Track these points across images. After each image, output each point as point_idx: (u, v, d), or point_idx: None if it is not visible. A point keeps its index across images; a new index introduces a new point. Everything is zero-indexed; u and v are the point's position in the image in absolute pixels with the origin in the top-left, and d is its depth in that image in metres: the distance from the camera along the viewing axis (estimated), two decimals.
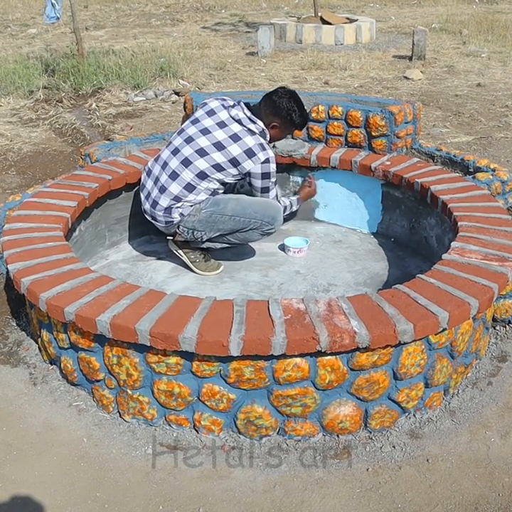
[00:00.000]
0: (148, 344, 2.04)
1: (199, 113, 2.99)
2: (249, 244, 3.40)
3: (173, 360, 2.08)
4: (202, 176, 2.87)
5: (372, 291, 2.53)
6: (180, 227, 2.97)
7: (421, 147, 3.64)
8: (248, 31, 11.64)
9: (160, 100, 6.94)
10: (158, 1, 16.34)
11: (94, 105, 6.72)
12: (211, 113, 2.95)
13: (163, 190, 2.92)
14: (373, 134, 3.47)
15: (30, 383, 2.48)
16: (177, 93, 7.08)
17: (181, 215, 2.94)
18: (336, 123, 3.58)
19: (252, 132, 2.87)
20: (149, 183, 3.01)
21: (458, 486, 2.02)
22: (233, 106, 2.94)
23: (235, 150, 2.83)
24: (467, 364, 2.44)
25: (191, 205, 2.94)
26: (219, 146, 2.85)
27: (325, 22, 10.54)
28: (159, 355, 2.09)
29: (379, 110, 3.43)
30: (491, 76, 7.87)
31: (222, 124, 2.89)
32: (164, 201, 2.92)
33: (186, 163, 2.88)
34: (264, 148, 2.87)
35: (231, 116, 2.90)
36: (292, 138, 3.72)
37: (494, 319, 2.75)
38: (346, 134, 3.58)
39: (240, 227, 2.95)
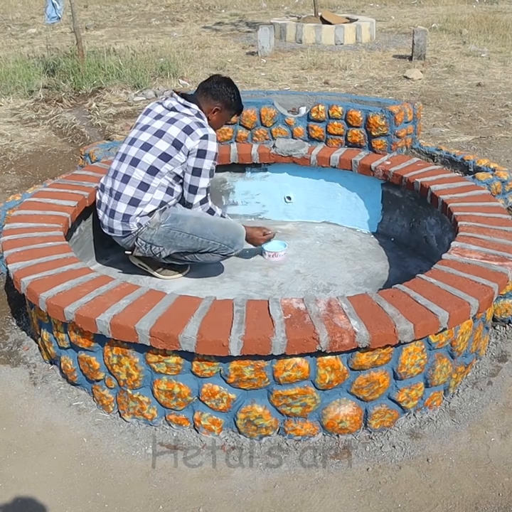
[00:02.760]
0: (149, 344, 2.04)
1: (140, 118, 3.00)
2: (249, 244, 3.40)
3: (173, 359, 2.08)
4: (152, 171, 2.81)
5: (372, 291, 2.53)
6: (139, 239, 2.88)
7: (421, 147, 3.64)
8: (248, 31, 11.64)
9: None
10: (158, 1, 16.34)
11: (94, 105, 6.72)
12: (147, 111, 2.98)
13: (118, 196, 2.83)
14: (373, 133, 3.47)
15: (30, 383, 2.48)
16: (177, 93, 7.07)
17: (139, 225, 2.84)
18: (336, 123, 3.58)
19: (187, 115, 2.88)
20: (105, 197, 2.92)
21: (458, 485, 2.02)
22: (166, 99, 2.96)
23: (173, 131, 2.82)
24: (467, 364, 2.44)
25: (149, 212, 2.84)
26: (159, 134, 2.83)
27: (325, 22, 10.54)
28: (159, 355, 2.09)
29: (379, 110, 3.43)
30: (491, 76, 7.87)
31: (158, 117, 2.91)
32: (121, 207, 2.82)
33: (134, 162, 2.83)
34: (202, 126, 2.85)
35: (165, 108, 2.92)
36: (292, 138, 3.72)
37: (494, 319, 2.75)
38: (346, 133, 3.58)
39: (199, 247, 2.87)
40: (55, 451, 2.15)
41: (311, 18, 10.96)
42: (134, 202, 2.82)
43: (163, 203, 2.89)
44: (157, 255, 2.93)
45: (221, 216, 3.08)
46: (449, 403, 2.36)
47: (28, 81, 7.27)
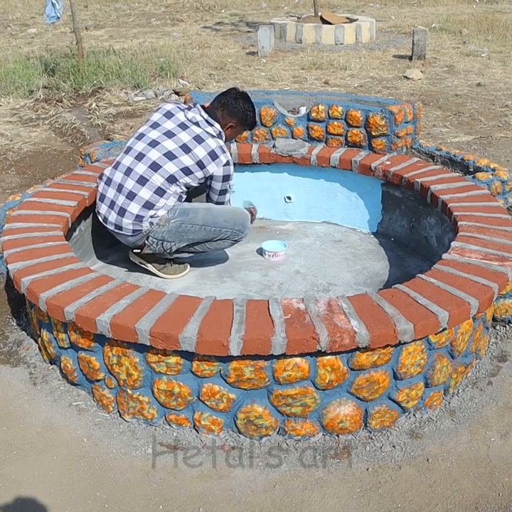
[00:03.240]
0: (148, 344, 2.04)
1: (156, 117, 2.98)
2: (249, 244, 3.40)
3: (173, 359, 2.08)
4: (171, 179, 2.86)
5: (372, 291, 2.53)
6: (150, 238, 2.91)
7: (421, 147, 3.64)
8: (248, 31, 11.64)
9: (160, 100, 6.94)
10: (158, 1, 16.34)
11: (94, 105, 6.72)
12: (169, 115, 2.97)
13: (132, 196, 2.83)
14: (373, 133, 3.47)
15: (30, 383, 2.48)
16: (177, 93, 7.08)
17: (151, 224, 2.87)
18: (336, 123, 3.58)
19: (211, 135, 2.93)
20: (111, 192, 2.89)
21: (458, 485, 2.02)
22: (189, 108, 2.98)
23: (200, 152, 2.87)
24: (467, 364, 2.44)
25: (161, 216, 2.88)
26: (186, 149, 2.87)
27: (325, 22, 10.54)
28: (159, 355, 2.09)
29: (379, 110, 3.43)
30: (491, 76, 7.87)
31: (183, 126, 2.92)
32: (134, 208, 2.83)
33: (155, 167, 2.84)
34: (224, 151, 2.94)
35: (188, 119, 2.93)
36: (292, 138, 3.72)
37: (494, 319, 2.75)
38: (346, 133, 3.58)
39: (211, 236, 2.96)
40: (55, 451, 2.15)
41: (311, 18, 10.95)
42: (149, 205, 2.85)
43: (173, 210, 2.94)
44: (168, 250, 2.98)
45: None
46: (449, 403, 2.36)
47: (28, 81, 7.27)
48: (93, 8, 15.08)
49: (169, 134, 2.89)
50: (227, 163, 2.94)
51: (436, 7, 14.56)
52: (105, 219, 2.94)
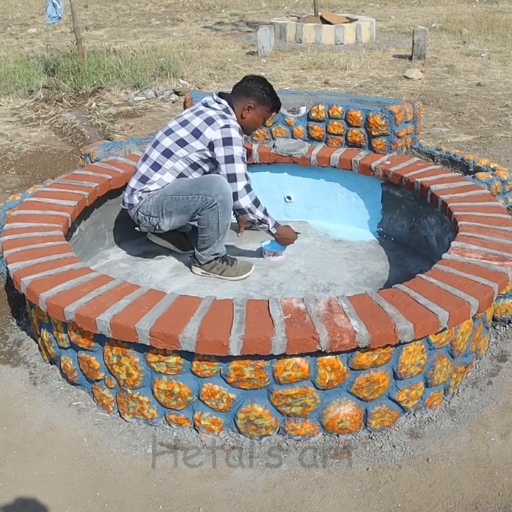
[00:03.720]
0: (149, 344, 2.04)
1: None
2: (249, 244, 3.40)
3: (173, 359, 2.08)
4: (167, 153, 2.92)
5: (372, 291, 2.53)
6: (139, 213, 3.00)
7: (421, 147, 3.64)
8: (248, 31, 11.64)
9: (160, 100, 6.94)
10: (158, 1, 16.33)
11: (94, 105, 6.72)
12: (193, 108, 3.07)
13: (134, 173, 3.02)
14: (373, 133, 3.47)
15: (30, 383, 2.48)
16: (177, 93, 7.08)
17: (140, 198, 2.97)
18: (335, 122, 3.58)
19: (214, 109, 2.95)
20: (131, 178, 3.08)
21: (458, 485, 2.02)
22: (207, 96, 3.06)
23: (196, 121, 2.91)
24: (467, 363, 2.44)
25: (152, 190, 2.94)
26: (183, 123, 2.94)
27: (325, 21, 10.54)
28: (159, 355, 2.09)
29: (379, 110, 3.43)
30: (491, 76, 7.87)
31: (192, 110, 3.01)
32: (132, 182, 2.99)
33: (155, 144, 2.98)
34: (225, 118, 2.91)
35: (202, 103, 3.01)
36: (292, 137, 3.72)
37: (494, 319, 2.75)
38: (346, 133, 3.58)
39: (183, 206, 2.90)
40: (55, 451, 2.15)
41: (311, 18, 10.95)
42: (143, 179, 2.96)
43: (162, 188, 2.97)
44: (157, 227, 3.01)
45: (264, 211, 3.02)
46: (449, 403, 2.36)
47: (28, 81, 7.27)
48: (93, 8, 15.08)
49: (178, 118, 3.01)
50: (227, 126, 2.86)
51: (436, 7, 14.56)
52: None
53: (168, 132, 2.95)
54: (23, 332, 2.80)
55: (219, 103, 2.96)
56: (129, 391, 2.21)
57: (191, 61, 8.74)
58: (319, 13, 10.88)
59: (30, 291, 2.30)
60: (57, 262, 2.46)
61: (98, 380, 2.30)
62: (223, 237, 3.02)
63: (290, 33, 10.51)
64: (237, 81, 3.12)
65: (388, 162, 3.40)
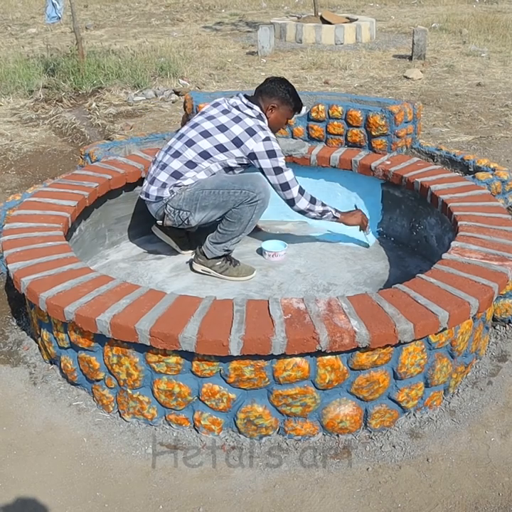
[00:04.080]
0: (148, 344, 2.04)
1: (206, 108, 3.12)
2: (249, 244, 3.39)
3: (173, 359, 2.08)
4: (205, 155, 2.93)
5: (372, 291, 2.53)
6: (168, 206, 2.99)
7: (421, 147, 3.64)
8: (248, 31, 11.64)
9: (160, 100, 6.94)
10: (158, 1, 16.33)
11: (94, 105, 6.72)
12: (216, 105, 3.08)
13: (163, 167, 2.98)
14: (373, 133, 3.47)
15: (30, 383, 2.48)
16: (177, 93, 7.08)
17: (171, 192, 2.96)
18: (335, 122, 3.58)
19: (250, 116, 2.97)
20: (153, 168, 3.06)
21: (458, 485, 2.02)
22: (232, 97, 3.07)
23: (236, 130, 2.92)
24: (467, 364, 2.44)
25: (186, 185, 2.95)
26: (222, 128, 2.94)
27: (325, 21, 10.54)
28: (159, 355, 2.09)
29: (379, 110, 3.43)
30: (491, 76, 7.87)
31: (225, 111, 3.01)
32: (163, 176, 2.97)
33: (189, 143, 2.96)
34: (263, 129, 2.95)
35: (230, 105, 3.02)
36: (292, 137, 3.72)
37: (494, 319, 2.75)
38: (346, 133, 3.58)
39: (221, 200, 2.90)
40: (55, 451, 2.15)
41: (311, 18, 10.95)
42: (177, 175, 2.96)
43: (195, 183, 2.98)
44: (186, 221, 3.00)
45: (322, 204, 3.07)
46: (449, 403, 2.36)
47: (28, 81, 7.27)
48: (93, 8, 15.08)
49: (210, 118, 3.01)
50: (267, 139, 2.91)
51: (436, 7, 14.56)
52: (141, 192, 3.10)
53: (205, 134, 2.94)
54: (23, 332, 2.80)
55: (251, 108, 2.98)
56: (129, 391, 2.21)
57: (191, 61, 8.74)
58: (319, 13, 10.88)
59: (30, 291, 2.30)
60: (57, 262, 2.46)
61: (98, 380, 2.30)
62: (245, 235, 3.05)
63: (290, 33, 10.51)
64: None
65: (388, 162, 3.40)
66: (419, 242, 3.34)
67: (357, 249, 3.44)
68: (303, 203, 3.02)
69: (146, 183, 3.07)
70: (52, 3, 7.60)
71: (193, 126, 3.02)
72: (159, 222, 3.11)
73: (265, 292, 2.99)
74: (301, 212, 3.07)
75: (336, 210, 3.14)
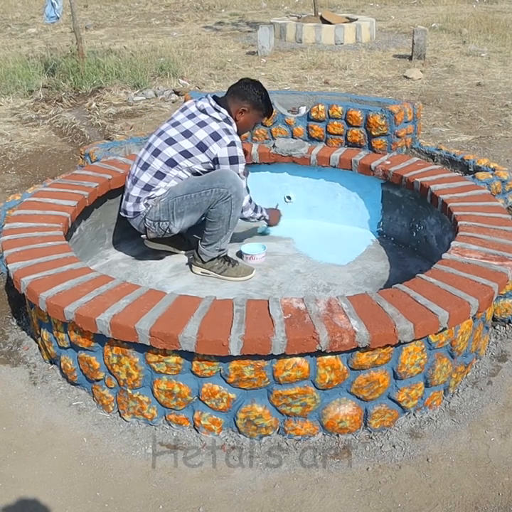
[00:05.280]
0: (148, 344, 2.04)
1: (174, 113, 3.10)
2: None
3: (173, 359, 2.08)
4: (171, 163, 2.93)
5: (372, 291, 2.53)
6: (147, 220, 3.00)
7: (421, 146, 3.64)
8: (248, 31, 11.64)
9: (160, 100, 6.94)
10: (158, 1, 16.33)
11: (94, 105, 6.72)
12: (183, 109, 3.07)
13: (135, 181, 3.00)
14: (373, 133, 3.47)
15: (30, 383, 2.48)
16: (177, 92, 7.08)
17: (146, 205, 2.97)
18: (335, 122, 3.58)
19: (216, 119, 2.95)
20: (128, 183, 3.07)
21: (458, 485, 2.02)
22: (200, 99, 3.05)
23: (200, 134, 2.91)
24: (467, 363, 2.44)
25: (159, 196, 2.96)
26: (186, 134, 2.94)
27: (325, 21, 10.54)
28: (159, 355, 2.09)
29: (379, 110, 3.43)
30: (490, 75, 7.86)
31: (191, 116, 3.00)
32: (136, 191, 2.98)
33: (156, 153, 2.97)
34: (229, 133, 2.94)
35: (197, 108, 3.00)
36: (292, 137, 3.72)
37: (494, 319, 2.75)
38: (346, 133, 3.58)
39: (195, 203, 2.90)
40: (55, 451, 2.15)
41: (311, 18, 10.95)
42: (148, 187, 2.97)
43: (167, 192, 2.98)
44: (167, 231, 3.01)
45: (260, 210, 3.25)
46: (449, 403, 2.36)
47: (28, 81, 7.27)
48: (93, 8, 15.07)
49: (175, 124, 3.00)
50: (232, 144, 2.91)
51: (436, 7, 14.56)
52: (120, 209, 3.13)
53: (170, 142, 2.94)
54: (23, 332, 2.80)
55: (218, 111, 2.96)
56: (129, 391, 2.21)
57: (191, 61, 8.74)
58: (319, 13, 10.87)
59: (30, 291, 2.30)
60: (57, 261, 2.46)
61: (98, 380, 2.30)
62: (231, 231, 3.04)
63: (290, 32, 10.51)
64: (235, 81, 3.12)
65: (388, 162, 3.40)
66: (419, 242, 3.34)
67: (357, 249, 3.43)
68: (248, 212, 3.14)
69: (123, 199, 3.08)
70: (52, 3, 7.59)
71: (159, 134, 3.01)
72: (143, 236, 3.12)
73: (265, 292, 2.99)
74: (245, 219, 3.18)
75: (264, 212, 3.29)
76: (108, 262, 3.28)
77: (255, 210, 3.19)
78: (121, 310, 2.12)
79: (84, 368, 2.32)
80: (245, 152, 3.50)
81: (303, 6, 14.67)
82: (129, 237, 3.47)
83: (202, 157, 2.92)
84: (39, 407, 2.35)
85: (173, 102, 6.85)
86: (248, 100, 3.00)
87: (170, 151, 2.92)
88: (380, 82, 7.57)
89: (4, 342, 2.74)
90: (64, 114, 6.38)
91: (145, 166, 2.97)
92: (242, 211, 3.06)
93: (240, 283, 3.08)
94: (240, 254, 3.35)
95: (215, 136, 2.89)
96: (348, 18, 11.05)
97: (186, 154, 2.91)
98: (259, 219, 3.28)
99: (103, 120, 6.18)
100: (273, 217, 3.41)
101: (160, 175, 2.94)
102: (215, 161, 2.93)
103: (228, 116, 2.98)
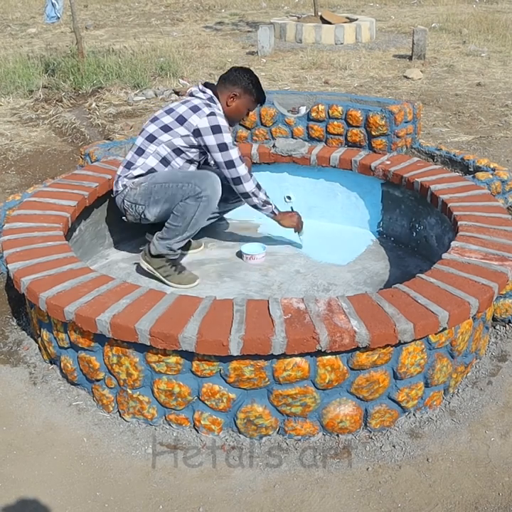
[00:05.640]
0: (148, 344, 2.04)
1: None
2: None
3: (173, 359, 2.08)
4: (150, 138, 2.96)
5: (372, 291, 2.53)
6: (125, 202, 3.00)
7: (421, 146, 3.64)
8: (248, 31, 11.64)
9: (160, 100, 6.94)
10: (158, 1, 16.33)
11: (94, 105, 6.72)
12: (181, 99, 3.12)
13: (123, 162, 3.06)
14: (373, 133, 3.47)
15: (30, 383, 2.48)
16: (177, 92, 7.08)
17: (124, 186, 2.98)
18: (335, 122, 3.58)
19: (199, 98, 2.98)
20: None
21: (458, 485, 2.02)
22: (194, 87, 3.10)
23: (181, 109, 2.94)
24: (467, 363, 2.44)
25: (136, 175, 2.96)
26: (169, 111, 2.98)
27: (325, 21, 10.54)
28: (159, 355, 2.09)
29: (379, 110, 3.43)
30: (490, 75, 7.86)
31: (182, 101, 3.02)
32: (119, 169, 3.04)
33: (141, 132, 3.02)
34: (209, 106, 2.93)
35: (188, 93, 3.06)
36: (292, 137, 3.72)
37: (494, 319, 2.75)
38: (346, 133, 3.58)
39: (171, 193, 2.87)
40: (55, 451, 2.15)
41: (311, 18, 10.95)
42: (128, 165, 3.02)
43: (153, 170, 2.97)
44: (142, 215, 3.00)
45: (266, 193, 3.09)
46: (449, 403, 2.36)
47: (28, 81, 7.27)
48: (93, 8, 15.07)
49: (166, 108, 3.03)
50: (212, 114, 2.87)
51: (436, 7, 14.55)
52: None
53: (154, 120, 3.00)
54: (23, 332, 2.80)
55: (204, 92, 3.00)
56: (129, 391, 2.21)
57: (191, 61, 8.74)
58: (319, 13, 10.87)
59: (30, 291, 2.30)
60: (57, 261, 2.46)
61: (98, 380, 2.30)
62: (187, 235, 2.97)
63: (290, 32, 10.51)
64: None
65: (388, 162, 3.40)
66: (419, 242, 3.34)
67: (357, 249, 3.43)
68: (249, 185, 2.98)
69: None
70: (52, 3, 7.60)
71: (151, 120, 3.06)
72: (124, 218, 3.12)
73: (265, 292, 2.99)
74: (246, 194, 3.01)
75: (276, 207, 3.16)
76: (108, 262, 3.29)
77: (258, 187, 3.02)
78: (121, 310, 2.12)
79: (84, 368, 2.32)
80: (248, 155, 3.52)
81: (303, 6, 14.67)
82: (129, 237, 3.47)
83: (181, 130, 2.89)
84: (39, 407, 2.35)
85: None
86: (238, 85, 3.00)
87: (151, 128, 2.96)
88: (380, 82, 7.57)
89: (4, 342, 2.74)
90: (64, 114, 6.38)
91: (133, 147, 3.04)
92: (250, 196, 3.00)
93: (240, 283, 3.08)
94: (240, 254, 3.35)
95: (195, 109, 2.90)
96: (348, 18, 11.05)
97: (165, 128, 2.92)
98: (263, 205, 3.08)
99: (103, 120, 6.18)
100: (285, 216, 3.23)
101: (140, 151, 2.98)
102: (196, 133, 2.87)
103: (213, 96, 2.99)
